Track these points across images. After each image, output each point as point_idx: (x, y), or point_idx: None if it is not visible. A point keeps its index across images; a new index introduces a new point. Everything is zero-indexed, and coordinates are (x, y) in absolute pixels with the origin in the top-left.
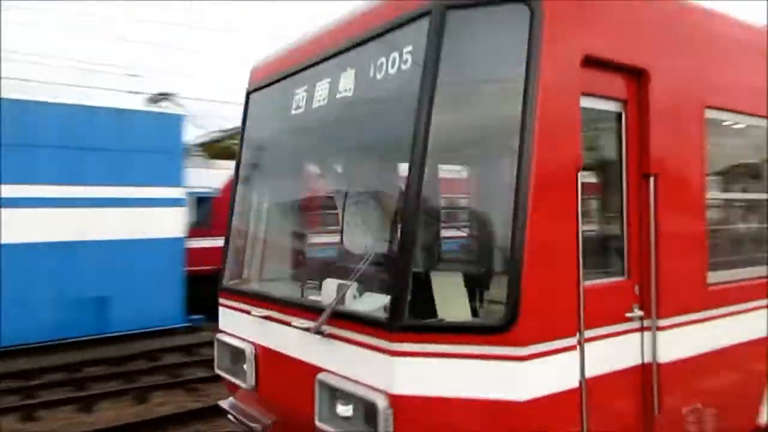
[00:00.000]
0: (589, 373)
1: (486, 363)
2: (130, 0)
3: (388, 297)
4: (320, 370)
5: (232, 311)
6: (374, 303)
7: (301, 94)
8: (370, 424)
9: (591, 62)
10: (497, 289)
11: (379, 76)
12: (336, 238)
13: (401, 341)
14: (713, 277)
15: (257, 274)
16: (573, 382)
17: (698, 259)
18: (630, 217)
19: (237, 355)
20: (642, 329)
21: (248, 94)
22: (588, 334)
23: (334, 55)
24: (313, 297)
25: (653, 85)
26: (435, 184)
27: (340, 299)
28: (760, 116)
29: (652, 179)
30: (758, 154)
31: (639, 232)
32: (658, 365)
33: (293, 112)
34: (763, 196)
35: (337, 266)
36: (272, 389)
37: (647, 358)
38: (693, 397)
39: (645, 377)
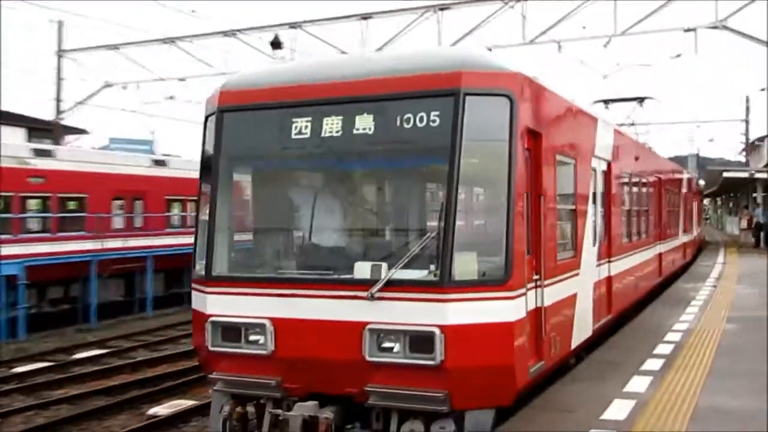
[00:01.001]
0: (528, 308)
1: (495, 302)
2: None
3: (427, 268)
4: (364, 324)
5: (230, 296)
6: (415, 274)
7: (305, 123)
8: (426, 348)
9: (528, 131)
10: (495, 261)
11: (406, 126)
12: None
13: (449, 292)
14: (559, 256)
15: (269, 264)
16: (524, 312)
17: (555, 246)
18: (533, 219)
19: (249, 329)
20: (537, 286)
21: (221, 112)
22: (528, 287)
23: (357, 100)
24: (342, 276)
25: (542, 141)
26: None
27: (387, 273)
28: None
29: (541, 197)
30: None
31: (536, 228)
32: (545, 308)
33: (296, 136)
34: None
35: (357, 252)
36: (296, 347)
37: (539, 303)
38: (553, 327)
39: (538, 314)
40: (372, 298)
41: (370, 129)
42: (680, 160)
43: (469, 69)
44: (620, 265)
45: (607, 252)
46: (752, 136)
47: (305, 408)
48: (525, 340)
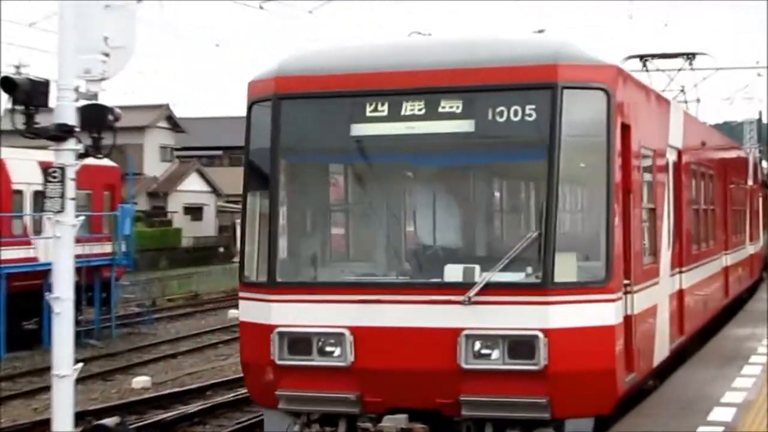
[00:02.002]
0: (628, 312)
1: (596, 305)
2: None
3: (525, 270)
4: (459, 330)
5: (300, 304)
6: (511, 276)
7: (383, 114)
8: (527, 354)
9: (622, 125)
10: (594, 262)
11: (499, 120)
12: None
13: (552, 295)
14: (644, 260)
15: (341, 268)
16: (622, 316)
17: (641, 248)
18: (623, 218)
19: (323, 340)
20: (626, 292)
21: (279, 99)
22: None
23: (444, 90)
24: (431, 279)
25: (630, 134)
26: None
27: (483, 276)
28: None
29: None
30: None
31: (626, 227)
32: (634, 315)
33: (371, 129)
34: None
35: (446, 255)
36: (380, 358)
37: (628, 311)
38: (641, 338)
39: (628, 322)
40: (468, 302)
41: (458, 122)
42: (732, 130)
43: (565, 61)
44: (692, 276)
45: (678, 260)
46: None
47: (397, 420)
48: (623, 346)
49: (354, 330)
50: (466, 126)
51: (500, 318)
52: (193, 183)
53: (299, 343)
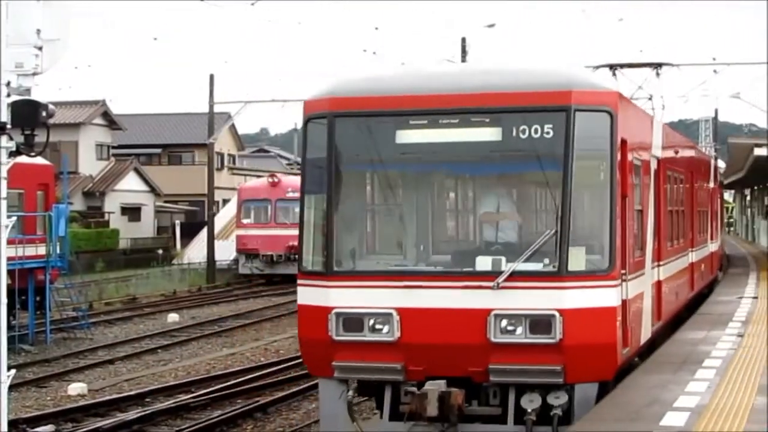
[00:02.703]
0: (625, 296)
1: (601, 289)
2: None
3: (543, 261)
4: (489, 311)
5: (354, 289)
6: (531, 266)
7: (423, 130)
8: (545, 330)
9: (621, 141)
10: (600, 254)
11: (522, 136)
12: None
13: (566, 281)
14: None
15: (388, 259)
16: (620, 299)
17: (634, 243)
18: (620, 218)
19: (373, 319)
20: (623, 280)
21: (334, 117)
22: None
23: (477, 111)
24: (465, 269)
25: (626, 147)
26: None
27: (509, 266)
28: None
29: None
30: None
31: (623, 226)
32: (628, 299)
33: (414, 142)
34: None
35: (477, 249)
36: (422, 334)
37: (624, 296)
38: (632, 319)
39: (624, 305)
40: (497, 287)
41: (488, 138)
42: (687, 128)
43: (577, 88)
44: (667, 270)
45: (657, 255)
46: None
47: (438, 385)
48: (621, 324)
49: (400, 311)
50: (493, 140)
51: (523, 300)
52: (130, 182)
53: (353, 322)
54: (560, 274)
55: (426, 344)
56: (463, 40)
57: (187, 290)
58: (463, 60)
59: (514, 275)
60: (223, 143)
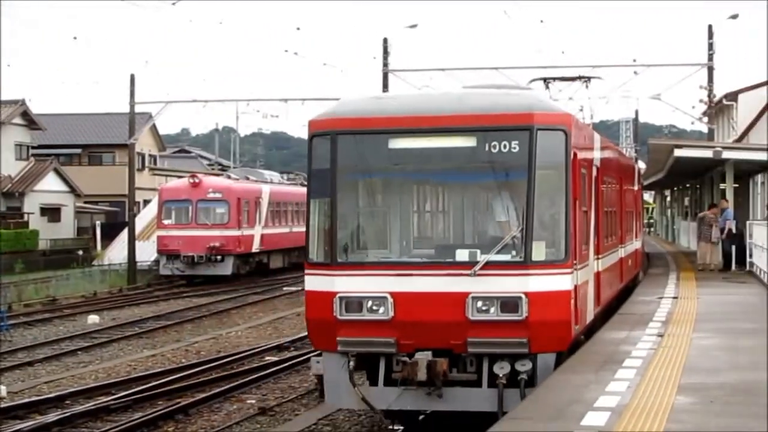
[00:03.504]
0: (576, 282)
1: (558, 276)
2: None
3: (511, 253)
4: (467, 294)
5: (354, 277)
6: (501, 257)
7: (412, 145)
8: (513, 309)
9: (573, 154)
10: (558, 247)
11: (494, 150)
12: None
13: (531, 269)
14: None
15: (382, 252)
16: (573, 284)
17: (582, 238)
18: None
19: (371, 302)
20: (574, 269)
21: (336, 134)
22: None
23: (456, 130)
24: (447, 259)
25: (576, 158)
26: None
27: (484, 257)
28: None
29: (577, 201)
30: None
31: (574, 224)
32: (577, 285)
33: (404, 155)
34: None
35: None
36: (412, 313)
37: (575, 282)
38: (580, 302)
39: (575, 290)
40: (474, 274)
41: (465, 152)
42: (608, 129)
43: (538, 111)
44: (604, 262)
45: (597, 249)
46: (719, 91)
47: (425, 355)
48: (573, 305)
49: (393, 294)
50: (470, 153)
51: (495, 285)
52: (50, 182)
53: (354, 304)
54: (526, 263)
55: (415, 322)
56: (385, 40)
57: (107, 291)
58: (385, 60)
59: (488, 264)
60: (144, 143)
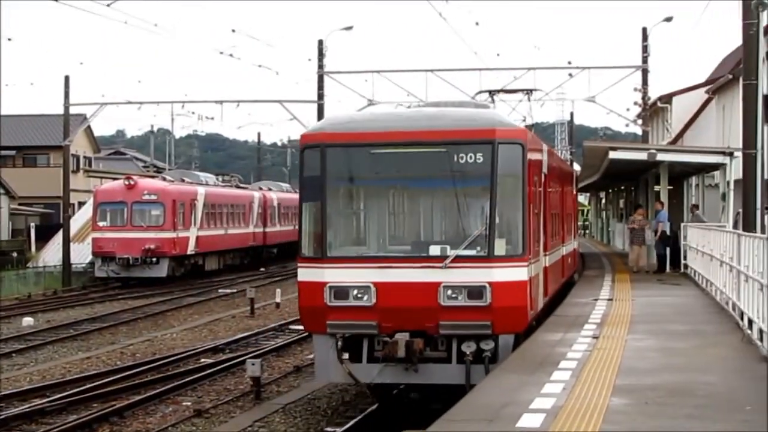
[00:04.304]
0: (531, 274)
1: (517, 268)
2: None
3: (476, 248)
4: (439, 283)
5: (342, 269)
6: (468, 252)
7: (391, 156)
8: (479, 296)
9: (529, 164)
10: (516, 243)
11: (461, 161)
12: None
13: (494, 262)
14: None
15: (366, 248)
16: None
17: (536, 237)
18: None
19: (356, 290)
20: (529, 263)
21: (325, 147)
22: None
23: (429, 143)
24: (422, 254)
25: (530, 167)
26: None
27: (453, 252)
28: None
29: (531, 204)
30: None
31: (529, 224)
32: (531, 277)
33: (384, 164)
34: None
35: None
36: (392, 300)
37: (530, 274)
38: (534, 291)
39: (530, 280)
40: (445, 267)
41: (437, 161)
42: (543, 131)
43: (498, 127)
44: (551, 259)
45: (545, 247)
46: (654, 94)
47: (403, 335)
48: (529, 293)
49: (376, 284)
50: (441, 163)
51: (463, 276)
52: None
53: (342, 292)
54: (489, 257)
55: (394, 307)
56: (320, 42)
57: (42, 293)
58: (320, 62)
59: (457, 258)
60: (79, 145)
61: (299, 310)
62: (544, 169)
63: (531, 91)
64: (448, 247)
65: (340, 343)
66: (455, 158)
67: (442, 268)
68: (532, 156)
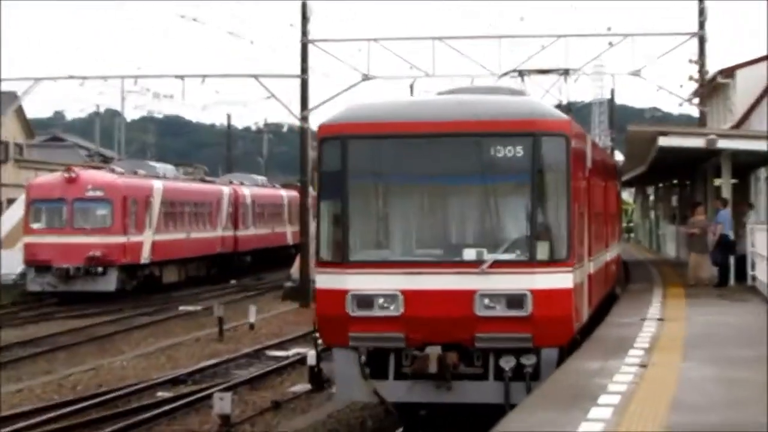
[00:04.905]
0: (576, 282)
1: (561, 274)
2: None
3: (516, 252)
4: (475, 291)
5: (366, 275)
6: (507, 256)
7: (422, 148)
8: (519, 306)
9: (573, 159)
10: (560, 247)
11: (499, 155)
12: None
13: (536, 267)
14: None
15: (393, 251)
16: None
17: (582, 240)
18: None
19: (384, 298)
20: (573, 269)
21: (346, 138)
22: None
23: (464, 135)
24: (455, 259)
25: (576, 162)
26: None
27: (491, 256)
28: None
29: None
30: None
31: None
32: (575, 284)
33: (413, 158)
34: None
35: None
36: (421, 310)
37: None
38: (578, 301)
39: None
40: (482, 272)
41: (472, 155)
42: (577, 112)
43: (540, 117)
44: (594, 265)
45: (589, 252)
46: (713, 67)
47: (435, 349)
48: (574, 303)
49: (403, 292)
50: (476, 157)
51: (501, 283)
52: None
53: (365, 301)
54: (530, 262)
55: (424, 318)
56: (304, 5)
57: None
58: (304, 28)
59: (495, 263)
60: (9, 130)
61: (317, 320)
62: (588, 164)
63: (568, 71)
64: (485, 251)
65: (363, 357)
66: (492, 152)
67: (478, 273)
68: (577, 149)
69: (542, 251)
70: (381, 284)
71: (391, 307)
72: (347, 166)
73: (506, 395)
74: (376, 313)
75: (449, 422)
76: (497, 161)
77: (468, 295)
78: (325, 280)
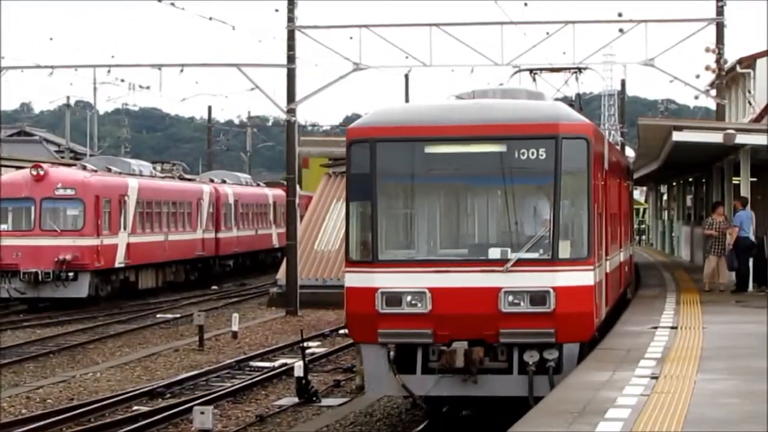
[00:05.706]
0: (596, 279)
1: (582, 272)
2: None
3: (539, 251)
4: (499, 288)
5: (395, 274)
6: (530, 255)
7: (447, 151)
8: (542, 302)
9: (594, 161)
10: (581, 245)
11: (523, 157)
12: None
13: (558, 266)
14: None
15: (421, 250)
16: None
17: (600, 239)
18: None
19: (412, 296)
20: (594, 267)
21: (374, 141)
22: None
23: (488, 138)
24: (480, 257)
25: (595, 164)
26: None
27: (515, 254)
28: None
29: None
30: None
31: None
32: (596, 282)
33: (440, 160)
34: None
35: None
36: (448, 307)
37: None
38: (598, 298)
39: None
40: (506, 270)
41: (496, 158)
42: (587, 104)
43: (563, 121)
44: (611, 264)
45: (606, 251)
46: (732, 56)
47: (462, 345)
48: (595, 299)
49: (431, 290)
50: (501, 159)
51: (525, 280)
52: None
53: (394, 299)
54: (553, 260)
55: (451, 315)
56: None
57: None
58: (290, 13)
59: (519, 261)
60: None
61: (346, 317)
62: (605, 165)
63: (581, 69)
64: (509, 250)
65: (392, 353)
66: (516, 154)
67: (503, 272)
68: (596, 152)
69: (564, 250)
70: (409, 282)
71: (419, 305)
72: (376, 169)
73: (530, 388)
74: (405, 310)
75: (469, 419)
76: (521, 163)
77: (493, 293)
78: (354, 279)
